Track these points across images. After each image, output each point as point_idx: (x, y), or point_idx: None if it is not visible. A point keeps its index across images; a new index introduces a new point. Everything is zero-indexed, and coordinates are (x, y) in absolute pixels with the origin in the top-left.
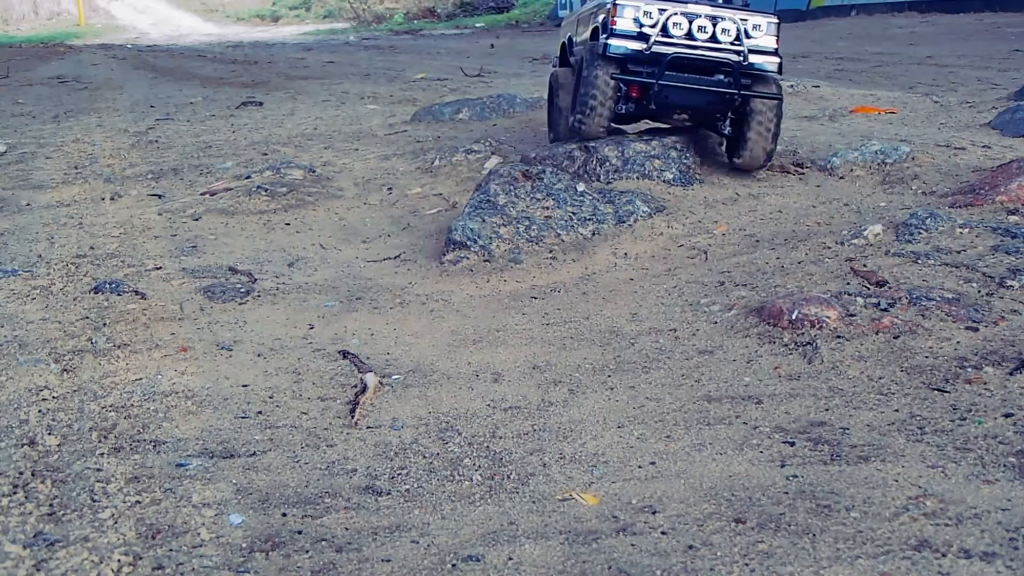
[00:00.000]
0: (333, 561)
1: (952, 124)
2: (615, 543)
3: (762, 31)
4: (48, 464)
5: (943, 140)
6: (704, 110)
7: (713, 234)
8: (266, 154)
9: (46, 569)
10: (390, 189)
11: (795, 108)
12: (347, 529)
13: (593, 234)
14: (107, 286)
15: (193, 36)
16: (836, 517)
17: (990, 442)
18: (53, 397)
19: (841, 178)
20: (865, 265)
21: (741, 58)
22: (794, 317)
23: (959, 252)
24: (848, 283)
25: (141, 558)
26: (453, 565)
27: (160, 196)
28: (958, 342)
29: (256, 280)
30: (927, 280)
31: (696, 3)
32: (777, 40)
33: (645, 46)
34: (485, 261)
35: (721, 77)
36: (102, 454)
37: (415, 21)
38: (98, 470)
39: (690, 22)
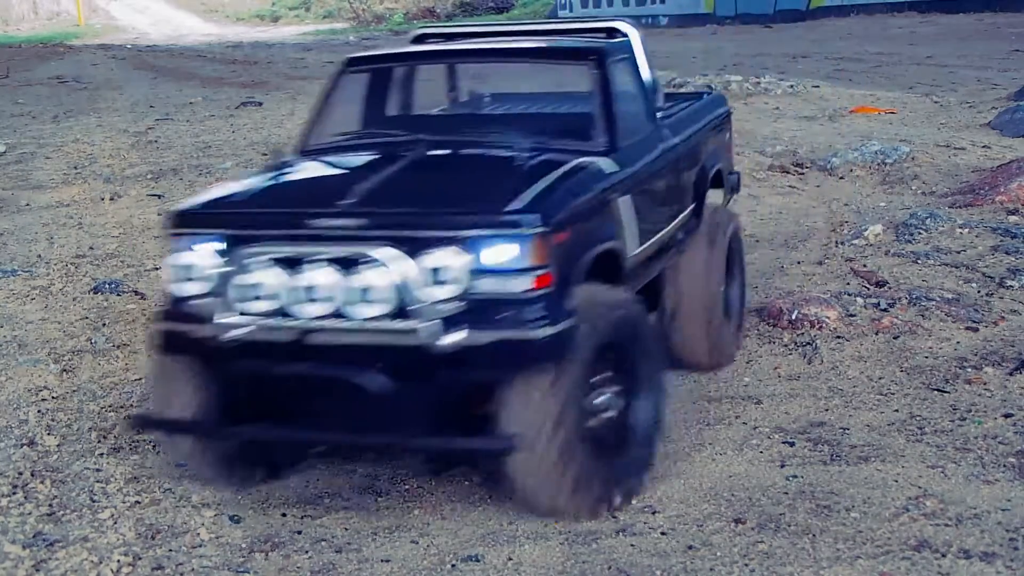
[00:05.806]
0: (333, 561)
1: (952, 124)
2: (615, 543)
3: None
4: (48, 464)
5: (943, 140)
6: None
7: None
8: (266, 154)
9: (46, 569)
10: None
11: (795, 108)
12: (347, 529)
13: None
14: (107, 286)
15: (193, 36)
16: (836, 517)
17: (990, 442)
18: (53, 397)
19: (841, 178)
20: (865, 265)
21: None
22: (794, 317)
23: (959, 252)
24: (848, 283)
25: (141, 558)
26: (453, 565)
27: (160, 196)
28: (958, 342)
29: None
30: (927, 280)
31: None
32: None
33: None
34: None
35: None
36: (102, 454)
37: (415, 21)
38: (98, 470)
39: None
